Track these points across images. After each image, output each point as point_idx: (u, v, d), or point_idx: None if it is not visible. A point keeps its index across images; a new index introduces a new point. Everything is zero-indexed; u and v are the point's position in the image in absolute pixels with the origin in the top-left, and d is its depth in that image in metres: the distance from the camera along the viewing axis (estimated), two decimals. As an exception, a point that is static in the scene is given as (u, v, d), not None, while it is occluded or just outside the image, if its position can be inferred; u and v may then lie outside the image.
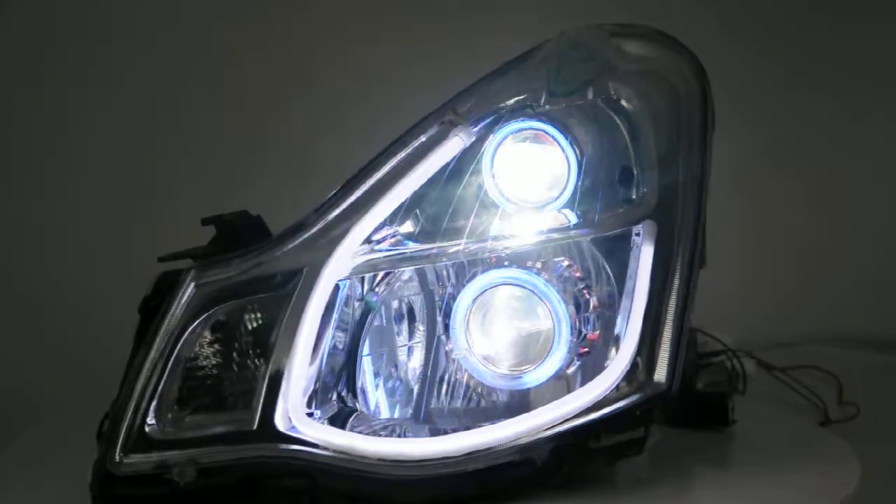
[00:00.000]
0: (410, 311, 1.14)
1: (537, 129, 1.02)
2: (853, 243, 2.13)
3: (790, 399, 1.57)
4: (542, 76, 1.01)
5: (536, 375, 1.02)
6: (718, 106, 1.01)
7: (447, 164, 1.03)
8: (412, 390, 1.12)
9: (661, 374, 0.99)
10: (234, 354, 1.05)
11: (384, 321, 1.12)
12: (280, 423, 1.01)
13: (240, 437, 1.01)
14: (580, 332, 1.03)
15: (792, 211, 2.13)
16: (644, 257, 1.00)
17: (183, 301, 1.05)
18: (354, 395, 1.08)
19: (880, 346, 2.03)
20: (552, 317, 1.01)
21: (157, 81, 1.91)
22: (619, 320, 1.01)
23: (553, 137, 1.01)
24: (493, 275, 1.03)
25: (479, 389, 1.10)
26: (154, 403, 1.04)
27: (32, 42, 1.88)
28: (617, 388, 0.99)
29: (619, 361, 0.99)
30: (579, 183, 1.01)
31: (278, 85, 1.95)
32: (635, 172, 1.02)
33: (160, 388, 1.04)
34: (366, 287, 1.09)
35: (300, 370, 1.01)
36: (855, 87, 2.15)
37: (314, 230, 1.03)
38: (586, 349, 1.04)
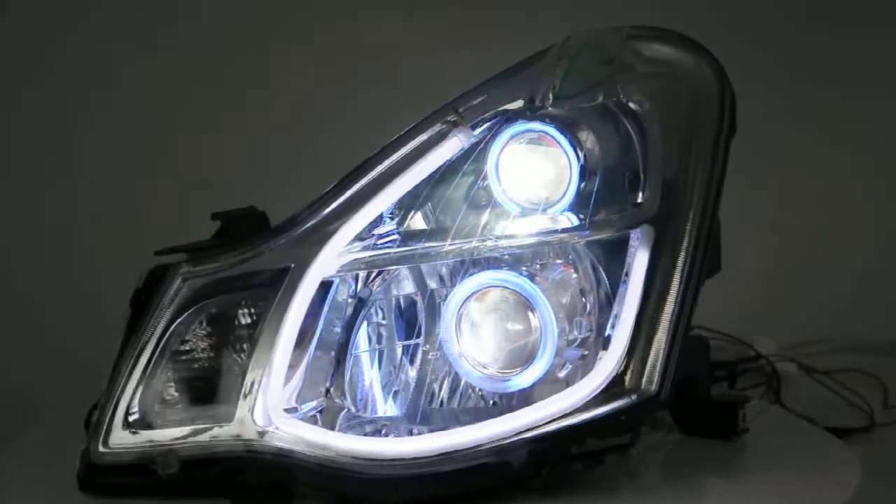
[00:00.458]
0: (412, 309, 1.14)
1: (540, 132, 1.01)
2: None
3: (835, 403, 1.55)
4: (547, 79, 1.01)
5: (522, 379, 1.00)
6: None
7: (446, 164, 1.04)
8: (410, 389, 1.12)
9: (650, 381, 0.96)
10: (220, 349, 1.06)
11: (384, 319, 1.13)
12: (259, 418, 1.01)
13: (221, 431, 1.02)
14: (574, 336, 1.01)
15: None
16: (638, 262, 0.98)
17: (170, 295, 1.06)
18: (343, 393, 1.08)
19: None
20: (539, 321, 0.99)
21: (157, 81, 1.91)
22: (608, 325, 0.99)
23: (555, 140, 1.01)
24: (483, 277, 1.02)
25: (479, 390, 1.09)
26: (139, 395, 1.06)
27: (32, 42, 1.88)
28: (602, 393, 0.96)
29: (605, 366, 0.96)
30: (581, 186, 1.01)
31: (278, 85, 1.95)
32: (642, 177, 1.00)
33: (145, 379, 1.06)
34: (360, 284, 1.09)
35: (280, 366, 1.02)
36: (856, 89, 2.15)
37: (304, 227, 1.04)
38: (583, 353, 1.02)
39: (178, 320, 1.06)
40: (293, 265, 1.03)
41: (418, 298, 1.12)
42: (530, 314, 1.00)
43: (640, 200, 0.99)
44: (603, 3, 1.81)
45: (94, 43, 1.90)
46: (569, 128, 1.01)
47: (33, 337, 1.82)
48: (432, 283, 1.11)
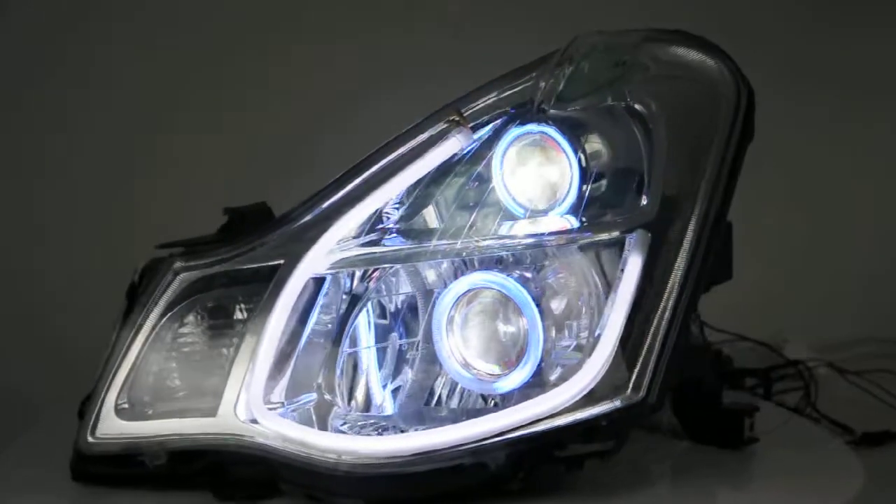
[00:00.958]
0: (412, 309, 1.13)
1: (542, 134, 1.01)
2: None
3: (868, 402, 1.55)
4: (550, 81, 1.00)
5: (508, 382, 0.99)
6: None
7: (446, 164, 1.04)
8: (407, 388, 1.12)
9: (637, 387, 0.94)
10: (210, 343, 1.07)
11: (383, 317, 1.13)
12: (242, 412, 1.02)
13: (206, 425, 1.03)
14: (568, 340, 1.00)
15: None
16: (630, 267, 0.96)
17: (162, 288, 1.07)
18: (334, 390, 1.08)
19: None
20: (528, 324, 0.98)
21: (157, 81, 1.91)
22: (597, 329, 0.98)
23: (557, 142, 1.01)
24: (473, 278, 1.01)
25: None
26: (128, 386, 1.07)
27: (32, 42, 1.88)
28: (584, 397, 0.94)
29: (588, 371, 0.95)
30: (583, 189, 1.00)
31: (278, 84, 1.95)
32: (646, 180, 0.98)
33: (134, 371, 1.07)
34: (355, 281, 1.09)
35: (264, 362, 1.02)
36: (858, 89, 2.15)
37: (296, 224, 1.04)
38: (577, 357, 1.00)
39: (170, 313, 1.07)
40: (283, 261, 1.03)
41: (418, 298, 1.12)
42: (520, 317, 0.99)
43: (643, 204, 0.98)
44: (603, 3, 1.81)
45: (94, 43, 1.90)
46: (572, 130, 1.01)
47: (33, 337, 1.82)
48: (431, 283, 1.11)
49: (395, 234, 1.06)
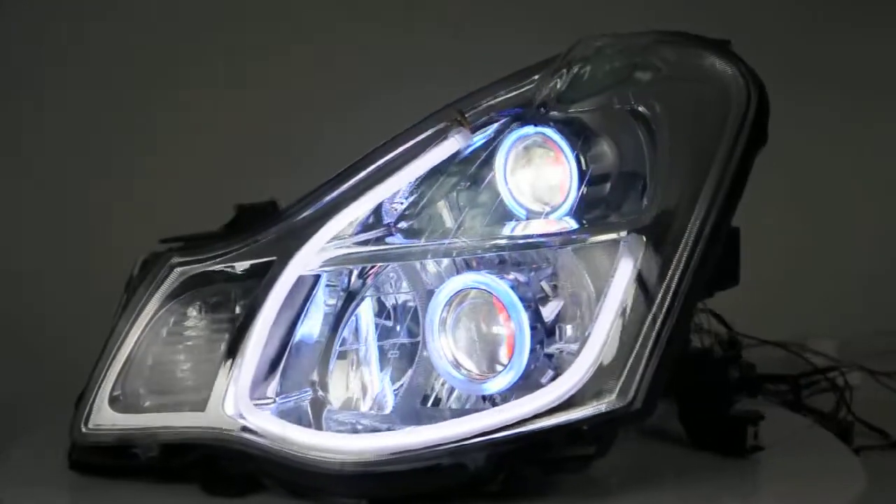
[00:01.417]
0: (410, 308, 1.13)
1: (542, 134, 1.01)
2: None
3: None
4: (552, 83, 1.00)
5: (496, 383, 0.99)
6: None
7: (445, 164, 1.04)
8: (403, 387, 1.12)
9: (624, 393, 0.92)
10: (204, 337, 1.08)
11: (382, 316, 1.13)
12: (229, 408, 1.02)
13: (195, 419, 1.04)
14: (559, 343, 1.00)
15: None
16: (621, 271, 0.95)
17: (159, 281, 1.08)
18: (327, 387, 1.08)
19: None
20: (515, 326, 0.98)
21: (157, 81, 1.91)
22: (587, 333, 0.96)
23: (556, 144, 1.01)
24: (464, 278, 1.01)
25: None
26: (122, 378, 1.08)
27: (32, 42, 1.88)
28: (566, 400, 0.93)
29: (572, 374, 0.94)
30: (583, 191, 1.00)
31: (278, 84, 1.95)
32: (649, 183, 0.97)
33: (129, 363, 1.08)
34: (353, 279, 1.09)
35: (252, 358, 1.03)
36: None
37: (291, 222, 1.05)
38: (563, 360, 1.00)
39: (165, 308, 1.08)
40: (276, 258, 1.04)
41: (417, 297, 1.12)
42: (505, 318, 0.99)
43: (641, 208, 0.97)
44: (603, 3, 1.81)
45: (94, 43, 1.90)
46: (573, 132, 1.00)
47: (33, 337, 1.82)
48: (431, 283, 1.10)
49: (396, 233, 1.07)
